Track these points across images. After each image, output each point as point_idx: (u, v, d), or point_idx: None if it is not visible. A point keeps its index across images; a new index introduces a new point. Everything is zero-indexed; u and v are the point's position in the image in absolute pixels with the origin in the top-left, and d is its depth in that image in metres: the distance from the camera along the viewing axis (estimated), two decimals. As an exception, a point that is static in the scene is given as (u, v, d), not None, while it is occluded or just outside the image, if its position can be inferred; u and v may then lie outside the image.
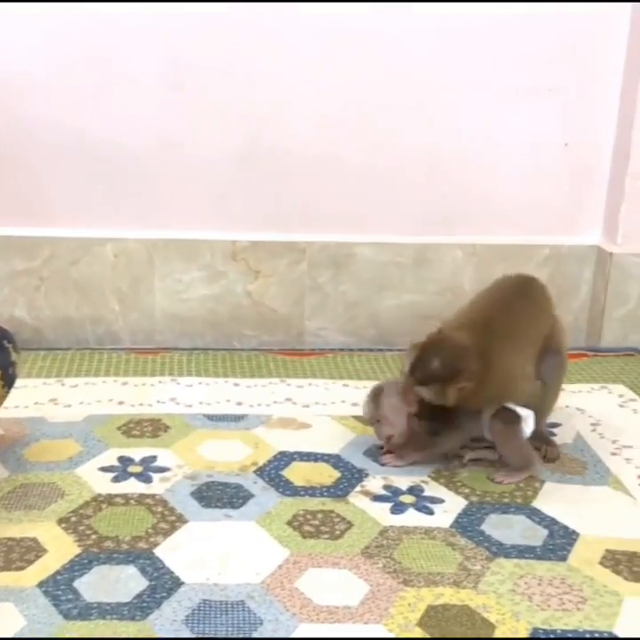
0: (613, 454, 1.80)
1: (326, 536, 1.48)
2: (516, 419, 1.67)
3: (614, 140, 2.33)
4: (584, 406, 2.03)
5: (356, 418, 1.92)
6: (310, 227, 2.34)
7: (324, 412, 1.96)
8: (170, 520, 1.51)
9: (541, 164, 2.35)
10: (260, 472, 1.68)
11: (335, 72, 2.25)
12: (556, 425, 1.92)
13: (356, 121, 2.28)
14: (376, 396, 1.73)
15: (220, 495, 1.58)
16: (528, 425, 1.68)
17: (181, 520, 1.51)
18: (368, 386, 2.05)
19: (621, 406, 2.04)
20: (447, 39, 2.24)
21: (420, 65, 2.26)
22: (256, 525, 1.50)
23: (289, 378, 2.15)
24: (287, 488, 1.63)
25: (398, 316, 2.40)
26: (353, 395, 2.05)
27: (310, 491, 1.61)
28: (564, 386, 2.08)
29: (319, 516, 1.55)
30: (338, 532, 1.50)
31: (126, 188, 2.29)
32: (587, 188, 2.38)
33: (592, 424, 1.94)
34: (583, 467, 1.74)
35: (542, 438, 1.76)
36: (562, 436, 1.87)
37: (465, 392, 1.60)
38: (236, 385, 2.10)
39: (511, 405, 1.67)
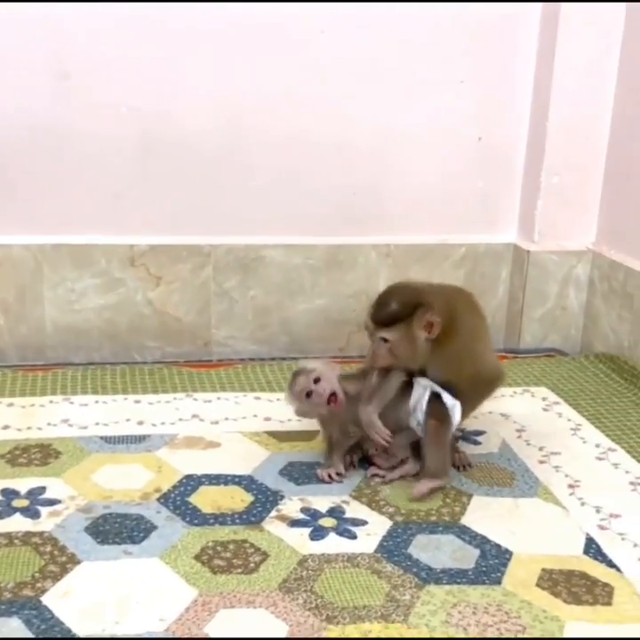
0: (541, 462, 1.71)
1: (239, 570, 1.33)
2: (448, 418, 1.56)
3: (528, 134, 2.27)
4: (508, 411, 1.94)
5: (270, 434, 1.78)
6: (215, 228, 2.19)
7: (235, 429, 1.80)
8: (60, 561, 1.33)
9: (455, 159, 2.27)
10: (164, 500, 1.52)
11: (238, 62, 2.10)
12: (480, 432, 1.82)
13: (260, 115, 2.14)
14: (296, 376, 1.60)
15: (118, 529, 1.42)
16: (455, 415, 1.58)
17: (73, 561, 1.33)
18: (282, 398, 1.93)
19: (545, 410, 1.96)
20: (356, 30, 2.13)
21: (328, 56, 2.14)
22: (160, 562, 1.34)
23: (195, 392, 1.99)
24: (194, 517, 1.47)
25: (311, 322, 2.27)
26: (265, 408, 1.90)
27: (220, 518, 1.47)
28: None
29: (231, 547, 1.39)
30: (252, 565, 1.35)
31: (8, 188, 2.08)
32: (502, 183, 2.31)
33: (517, 430, 1.85)
34: (511, 477, 1.65)
35: (452, 446, 1.66)
36: (487, 445, 1.77)
37: (433, 332, 1.49)
38: (136, 402, 1.92)
39: (443, 393, 1.55)
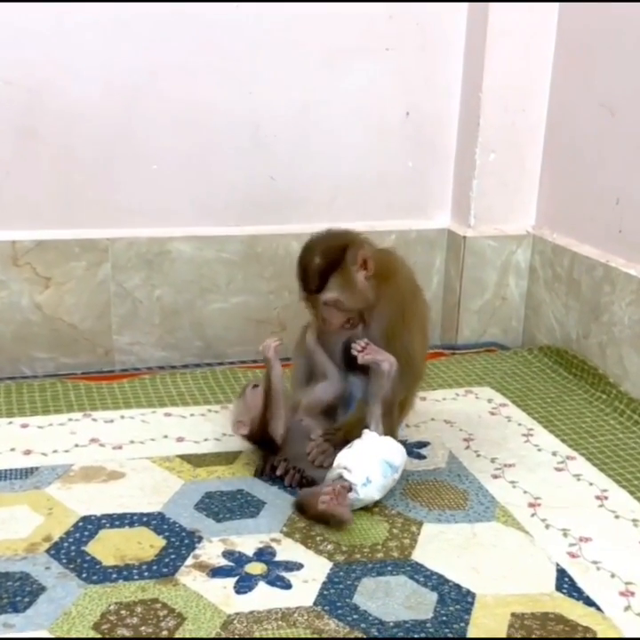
0: (495, 477, 1.51)
1: (149, 641, 1.08)
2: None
3: (460, 107, 2.06)
4: (452, 417, 1.74)
5: (183, 458, 1.56)
6: (111, 220, 1.94)
7: (141, 454, 1.56)
8: None
9: (381, 137, 2.05)
10: (56, 551, 1.28)
11: (130, 29, 1.83)
12: (424, 444, 1.62)
13: (157, 88, 1.89)
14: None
15: None
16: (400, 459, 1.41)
17: (-64, 643, 1.06)
18: (197, 412, 1.69)
19: (492, 414, 1.77)
20: (265, -10, 1.88)
21: (234, 22, 1.88)
22: (48, 635, 1.11)
23: (95, 411, 1.73)
24: (93, 571, 1.24)
25: (227, 323, 2.02)
26: (177, 427, 1.68)
27: (125, 572, 1.25)
28: (423, 394, 1.81)
29: (138, 609, 1.15)
30: (165, 633, 1.11)
31: None
32: (433, 163, 2.10)
33: (465, 439, 1.65)
34: (464, 497, 1.44)
35: None
36: (432, 459, 1.57)
37: (370, 268, 1.41)
38: (23, 427, 1.66)
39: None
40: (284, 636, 1.10)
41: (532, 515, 1.39)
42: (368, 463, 1.36)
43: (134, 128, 1.89)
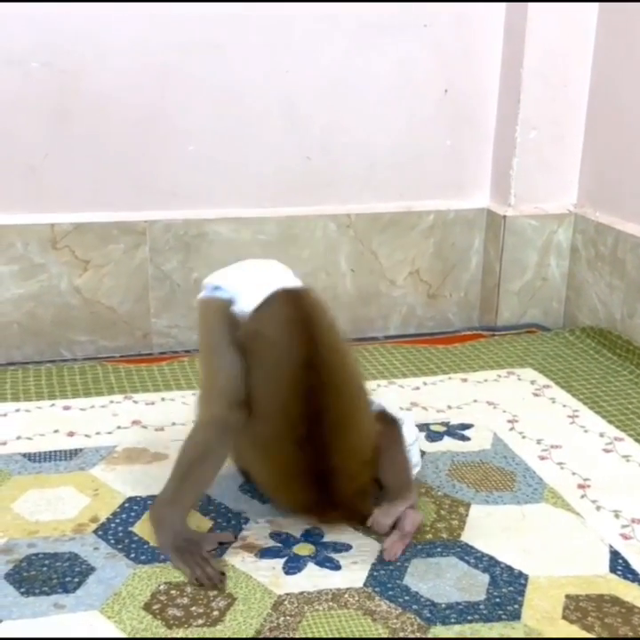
0: (542, 458, 1.49)
1: (201, 621, 1.09)
2: (395, 420, 1.31)
3: (500, 84, 2.02)
4: (495, 399, 1.71)
5: None
6: (149, 202, 1.92)
7: (184, 436, 1.52)
8: (-27, 624, 1.06)
9: (419, 114, 2.02)
10: (103, 532, 1.27)
11: (163, 10, 1.81)
12: (467, 426, 1.60)
13: (190, 69, 1.87)
14: None
15: (46, 574, 1.18)
16: (409, 427, 1.37)
17: (-9, 621, 1.06)
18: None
19: (536, 395, 1.74)
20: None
21: (269, -1, 1.85)
22: (100, 616, 1.10)
23: (136, 393, 1.73)
24: (141, 552, 1.23)
25: (265, 305, 2.00)
26: (218, 408, 1.64)
27: None
28: (464, 375, 1.80)
29: (188, 590, 1.15)
30: (216, 614, 1.10)
31: None
32: (472, 141, 2.07)
33: (509, 421, 1.62)
34: (511, 479, 1.42)
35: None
36: (477, 440, 1.55)
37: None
38: (65, 409, 1.66)
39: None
40: (335, 616, 1.09)
41: (582, 496, 1.37)
42: None
43: (169, 109, 1.87)
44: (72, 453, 1.48)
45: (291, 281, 1.29)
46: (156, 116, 1.87)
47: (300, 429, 1.16)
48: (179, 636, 1.05)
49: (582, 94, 1.99)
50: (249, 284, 1.26)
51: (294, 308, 1.23)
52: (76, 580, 1.16)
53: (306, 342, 1.18)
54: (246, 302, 1.23)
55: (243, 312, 1.23)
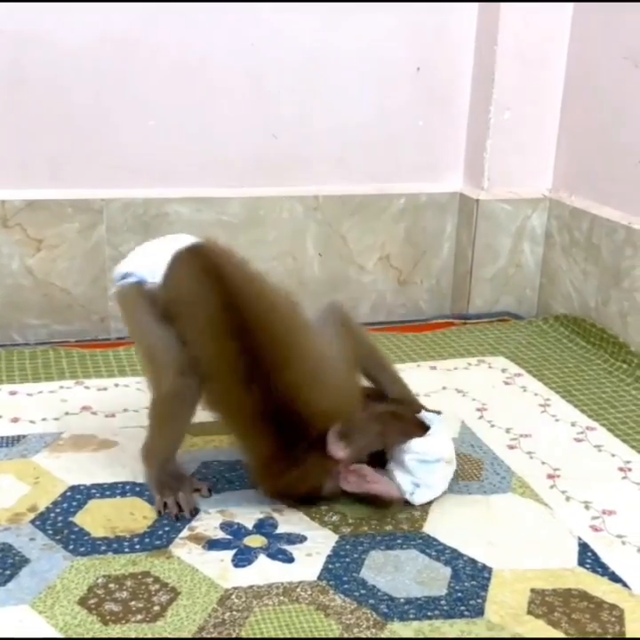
0: (510, 448, 1.42)
1: (140, 616, 1.01)
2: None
3: (474, 62, 1.96)
4: (464, 386, 1.65)
5: None
6: (106, 179, 1.84)
7: (135, 423, 1.47)
8: None
9: (390, 93, 1.95)
10: (41, 522, 1.20)
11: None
12: (434, 413, 1.51)
13: (151, 37, 1.79)
14: None
15: None
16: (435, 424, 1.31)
17: None
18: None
19: (507, 383, 1.68)
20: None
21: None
22: (30, 610, 1.02)
23: (88, 378, 1.65)
24: (81, 543, 1.16)
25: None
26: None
27: (115, 544, 1.17)
28: (434, 363, 1.73)
29: (128, 583, 1.07)
30: (157, 608, 1.03)
31: None
32: (444, 121, 2.00)
33: (478, 409, 1.56)
34: (478, 467, 1.36)
35: None
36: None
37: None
38: (11, 394, 1.57)
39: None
40: (285, 611, 1.02)
41: (551, 486, 1.30)
42: (404, 471, 1.25)
43: (130, 81, 1.79)
44: (14, 440, 1.40)
45: (188, 240, 1.29)
46: (115, 88, 1.79)
47: (239, 372, 1.16)
48: (112, 636, 0.97)
49: (558, 74, 1.93)
50: (151, 259, 1.27)
51: (196, 260, 1.24)
52: (8, 572, 1.08)
53: (217, 287, 1.19)
54: (154, 275, 1.24)
55: (154, 285, 1.24)
